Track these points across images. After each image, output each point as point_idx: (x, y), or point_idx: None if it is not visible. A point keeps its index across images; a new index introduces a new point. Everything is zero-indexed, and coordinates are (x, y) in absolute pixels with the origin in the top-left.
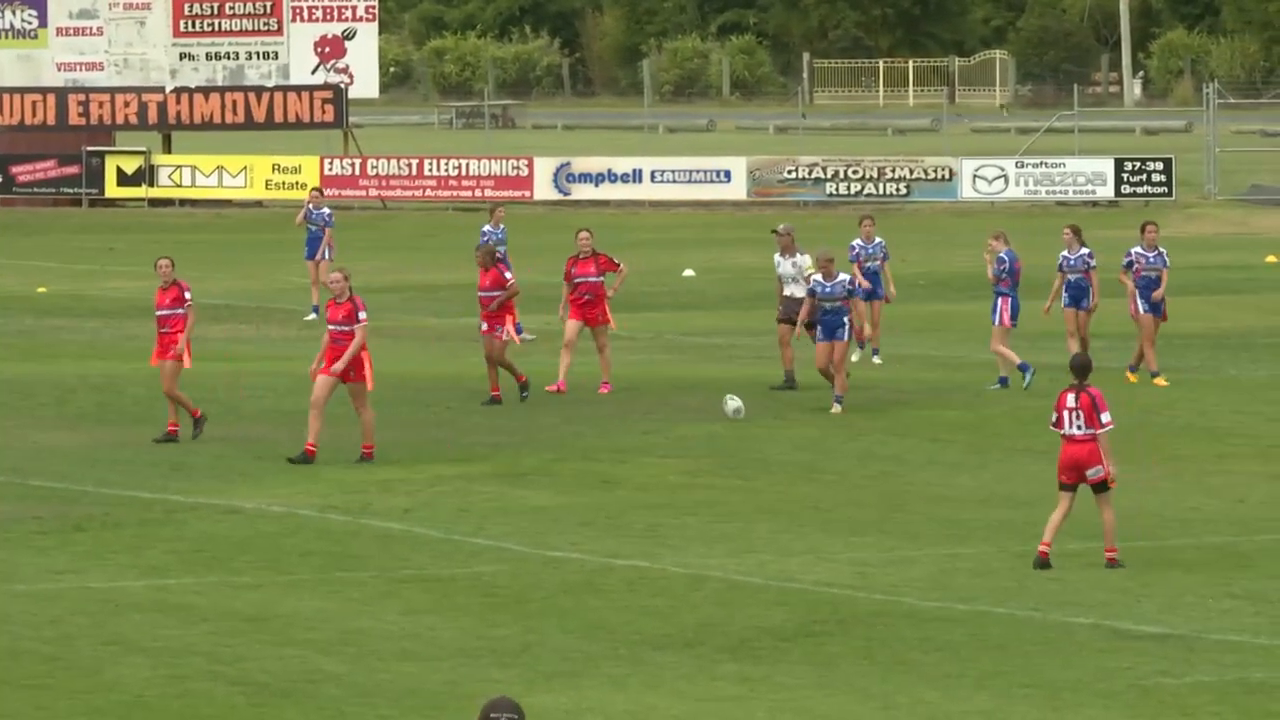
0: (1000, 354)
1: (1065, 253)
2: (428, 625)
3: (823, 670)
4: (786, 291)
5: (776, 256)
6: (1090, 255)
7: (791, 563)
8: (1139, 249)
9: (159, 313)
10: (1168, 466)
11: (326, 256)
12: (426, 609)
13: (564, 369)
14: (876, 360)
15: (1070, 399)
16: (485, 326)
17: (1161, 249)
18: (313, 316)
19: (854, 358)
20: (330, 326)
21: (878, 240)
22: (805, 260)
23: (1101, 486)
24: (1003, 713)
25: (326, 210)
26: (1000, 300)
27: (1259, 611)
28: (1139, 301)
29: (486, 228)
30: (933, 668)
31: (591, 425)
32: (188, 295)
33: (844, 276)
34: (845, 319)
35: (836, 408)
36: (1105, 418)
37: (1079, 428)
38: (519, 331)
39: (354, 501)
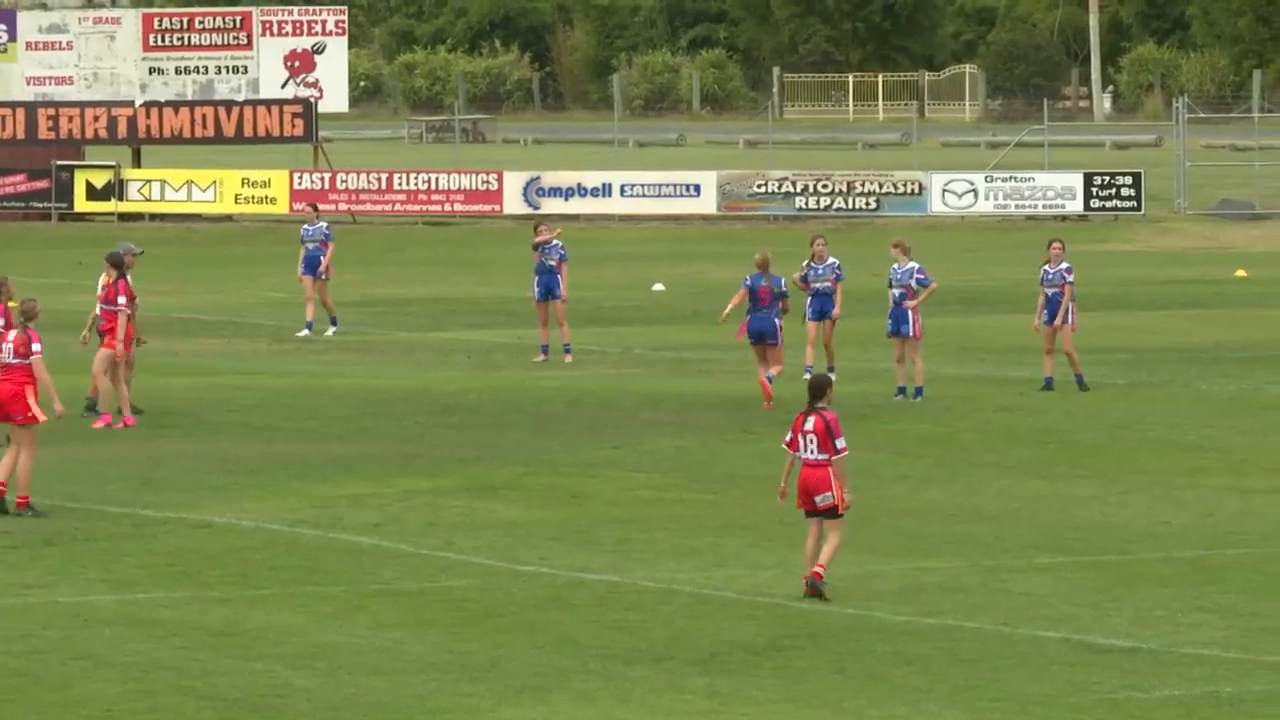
0: (918, 363)
1: (1046, 267)
2: (397, 640)
3: (793, 684)
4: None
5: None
6: (1069, 270)
7: (761, 577)
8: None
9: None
10: (1138, 480)
11: (320, 273)
12: (396, 623)
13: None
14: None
15: (804, 421)
16: None
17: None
18: (305, 333)
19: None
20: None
21: (830, 260)
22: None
23: (832, 513)
24: None
25: (324, 225)
26: (913, 313)
27: (1229, 625)
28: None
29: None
30: (903, 682)
31: (561, 439)
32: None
33: (833, 260)
34: (834, 299)
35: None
36: (840, 443)
37: (813, 452)
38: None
39: (324, 516)
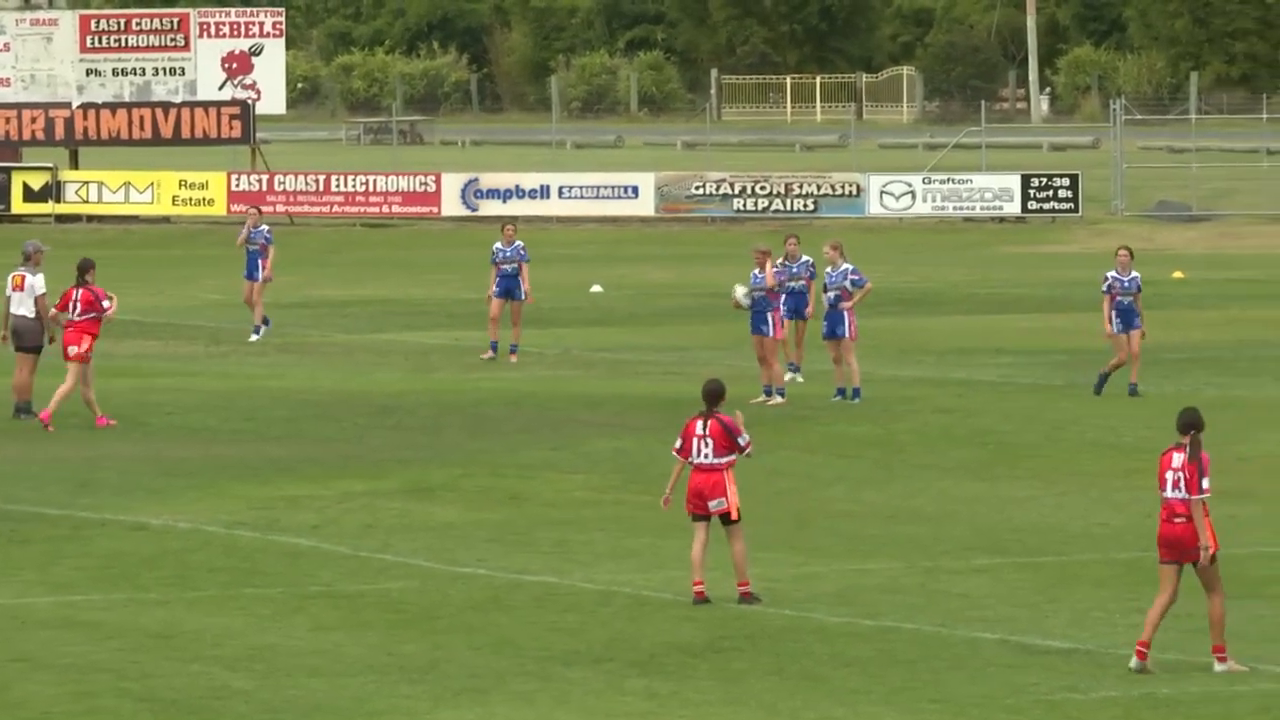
0: (853, 365)
1: (1117, 274)
2: (335, 642)
3: (731, 686)
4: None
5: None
6: (1139, 279)
7: None
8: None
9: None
10: (1075, 482)
11: (260, 276)
12: (334, 625)
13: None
14: (799, 379)
15: (699, 426)
16: None
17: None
18: (256, 338)
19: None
20: None
21: (804, 258)
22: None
23: (726, 519)
24: None
25: (265, 228)
26: (848, 314)
27: (1166, 627)
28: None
29: (498, 245)
30: (841, 683)
31: (499, 441)
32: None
33: (807, 258)
34: (808, 298)
35: (798, 377)
36: (743, 440)
37: (707, 456)
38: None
39: (261, 517)
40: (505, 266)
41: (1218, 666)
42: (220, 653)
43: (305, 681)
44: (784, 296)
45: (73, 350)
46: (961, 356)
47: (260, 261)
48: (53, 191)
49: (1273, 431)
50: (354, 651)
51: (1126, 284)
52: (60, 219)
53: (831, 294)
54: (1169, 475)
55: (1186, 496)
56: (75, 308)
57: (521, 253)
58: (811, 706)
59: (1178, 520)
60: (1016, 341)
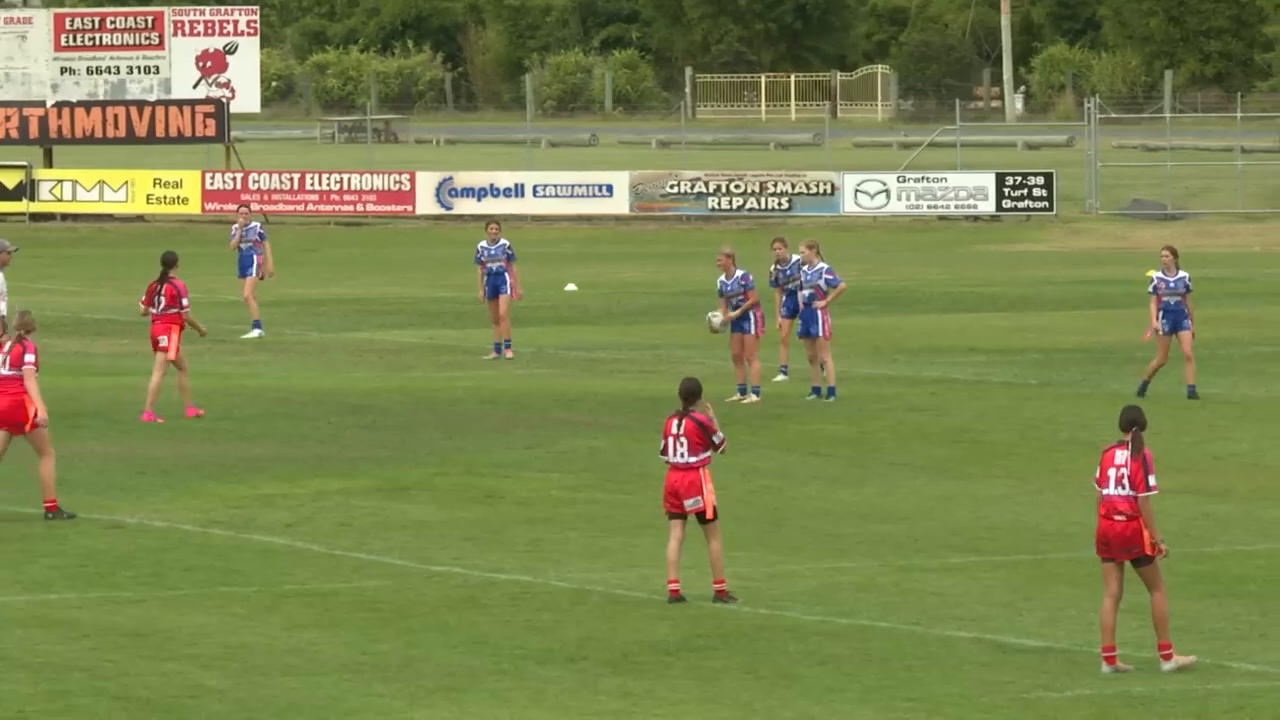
0: (828, 363)
1: (1162, 275)
2: (310, 640)
3: (706, 685)
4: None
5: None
6: (1188, 279)
7: None
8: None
9: None
10: (1050, 480)
11: (254, 274)
12: (309, 624)
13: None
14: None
15: (674, 424)
16: None
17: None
18: (257, 334)
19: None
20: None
21: (794, 258)
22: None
23: (702, 517)
24: None
25: (257, 225)
26: (822, 313)
27: (1141, 625)
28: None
29: (482, 244)
30: (815, 682)
31: (473, 440)
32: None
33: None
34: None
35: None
36: (717, 438)
37: (682, 455)
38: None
39: (236, 516)
40: (491, 265)
41: (1165, 665)
42: (195, 651)
43: (280, 680)
44: (784, 297)
45: (162, 341)
46: (936, 355)
47: (255, 259)
48: (27, 190)
49: (1247, 429)
50: (329, 650)
51: (1173, 284)
52: (35, 217)
53: (806, 292)
54: (1111, 472)
55: (1130, 494)
56: (159, 302)
57: (508, 251)
58: (787, 705)
59: (1118, 518)
60: (991, 340)
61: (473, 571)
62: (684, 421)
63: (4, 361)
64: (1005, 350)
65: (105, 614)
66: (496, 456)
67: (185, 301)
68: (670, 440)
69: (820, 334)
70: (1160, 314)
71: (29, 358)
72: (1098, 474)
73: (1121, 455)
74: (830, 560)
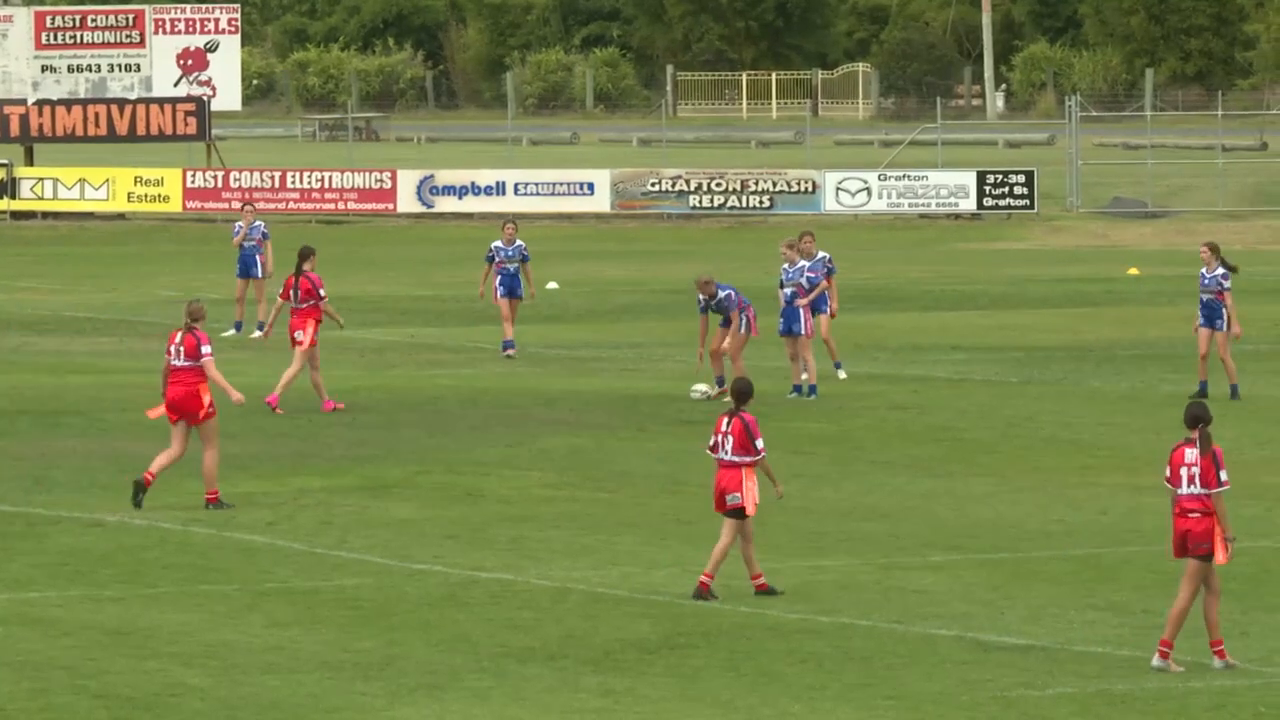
0: (810, 362)
1: (1203, 270)
2: (291, 638)
3: (686, 683)
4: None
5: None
6: (1225, 276)
7: (655, 575)
8: None
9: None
10: (1031, 478)
11: (259, 273)
12: (290, 622)
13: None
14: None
15: (724, 422)
16: None
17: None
18: (259, 335)
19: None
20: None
21: (801, 263)
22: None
23: (739, 514)
24: None
25: (261, 224)
26: (804, 311)
27: (1122, 623)
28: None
29: (497, 243)
30: (796, 680)
31: (455, 438)
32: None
33: (824, 254)
34: (826, 296)
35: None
36: (759, 444)
37: (728, 453)
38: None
39: (217, 514)
40: (507, 265)
41: (1216, 663)
42: (176, 649)
43: (261, 678)
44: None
45: (299, 335)
46: (917, 353)
47: (258, 258)
48: (7, 188)
49: (1226, 428)
50: (310, 648)
51: (1207, 281)
52: (15, 215)
53: (788, 290)
54: (1183, 471)
55: (1203, 491)
56: (296, 295)
57: (524, 252)
58: (768, 703)
59: (1192, 515)
60: (972, 338)
61: (454, 570)
62: (733, 420)
63: (178, 353)
64: (986, 348)
65: (86, 612)
66: (478, 455)
67: (323, 293)
68: (719, 438)
69: (803, 332)
70: (1199, 310)
71: (205, 349)
72: (1168, 473)
73: (1191, 453)
74: (812, 558)
